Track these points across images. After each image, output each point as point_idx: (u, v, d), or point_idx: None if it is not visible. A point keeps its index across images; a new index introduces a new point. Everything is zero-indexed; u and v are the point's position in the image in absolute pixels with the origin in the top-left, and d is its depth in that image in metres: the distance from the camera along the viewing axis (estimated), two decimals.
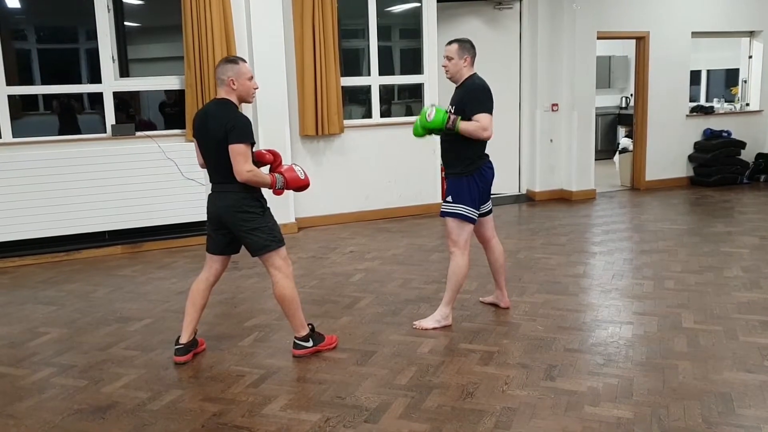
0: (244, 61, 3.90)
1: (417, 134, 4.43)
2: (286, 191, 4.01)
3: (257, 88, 3.98)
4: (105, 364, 4.04)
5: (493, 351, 4.07)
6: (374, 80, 8.23)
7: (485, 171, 4.40)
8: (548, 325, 4.48)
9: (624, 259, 6.12)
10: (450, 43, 4.41)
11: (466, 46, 4.37)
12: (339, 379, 3.74)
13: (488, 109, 4.24)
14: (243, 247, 4.01)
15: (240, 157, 3.70)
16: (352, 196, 8.15)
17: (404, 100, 9.52)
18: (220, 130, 3.73)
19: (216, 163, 3.85)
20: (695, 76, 11.58)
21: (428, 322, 4.51)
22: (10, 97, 6.70)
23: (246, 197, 3.82)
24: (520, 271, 5.74)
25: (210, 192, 3.96)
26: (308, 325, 4.11)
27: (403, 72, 9.20)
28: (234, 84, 3.80)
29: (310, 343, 4.06)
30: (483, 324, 4.56)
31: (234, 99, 3.83)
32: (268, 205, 3.98)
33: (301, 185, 4.03)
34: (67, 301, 5.30)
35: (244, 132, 3.73)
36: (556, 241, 6.89)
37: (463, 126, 4.21)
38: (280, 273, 3.93)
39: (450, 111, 4.30)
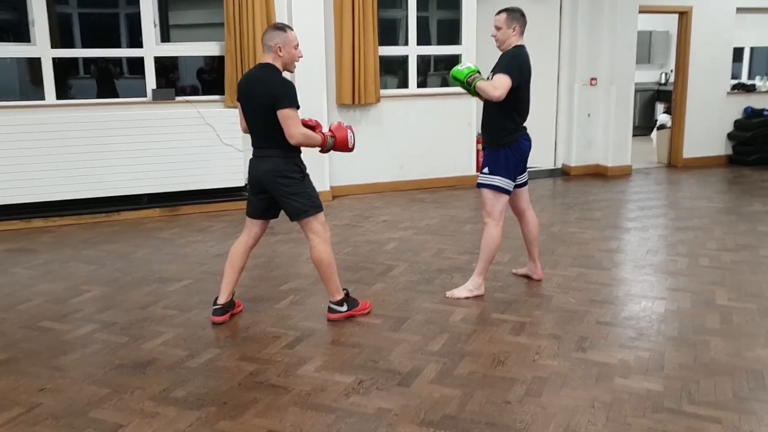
0: (292, 29, 3.92)
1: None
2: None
3: (302, 56, 4.00)
4: (145, 322, 4.16)
5: (524, 322, 4.11)
6: (412, 50, 8.21)
7: (522, 143, 4.40)
8: (580, 298, 4.50)
9: (659, 235, 6.08)
10: (499, 12, 4.38)
11: (515, 15, 4.34)
12: (372, 343, 3.81)
13: (509, 72, 4.18)
14: (281, 212, 4.08)
15: (290, 121, 3.77)
16: (387, 166, 8.18)
17: (441, 72, 9.46)
18: (265, 94, 3.78)
19: (259, 127, 3.91)
20: (738, 52, 11.31)
21: (461, 292, 4.55)
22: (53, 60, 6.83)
23: (287, 162, 3.88)
24: (553, 244, 5.75)
25: (251, 156, 4.02)
26: (343, 290, 4.17)
27: (440, 43, 9.13)
28: (281, 51, 3.84)
29: (344, 308, 4.13)
30: (515, 295, 4.59)
31: (279, 65, 3.88)
32: (307, 171, 4.03)
33: (345, 148, 4.09)
34: (108, 261, 5.43)
35: (292, 96, 3.80)
36: (590, 215, 6.86)
37: (480, 84, 4.23)
38: (318, 237, 3.99)
39: (490, 77, 4.29)
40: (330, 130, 4.07)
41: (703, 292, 4.58)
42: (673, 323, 4.05)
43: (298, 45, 3.92)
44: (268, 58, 3.89)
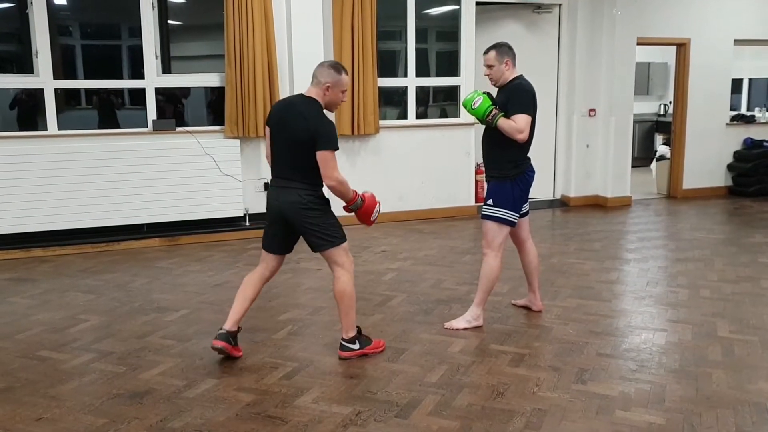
0: (347, 74, 3.90)
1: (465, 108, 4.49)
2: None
3: (344, 101, 3.99)
4: (142, 351, 4.13)
5: (524, 353, 4.08)
6: (411, 81, 8.28)
7: (528, 174, 4.41)
8: (580, 329, 4.48)
9: (659, 266, 6.07)
10: (487, 51, 4.38)
11: (504, 50, 4.36)
12: (370, 374, 3.78)
13: (528, 111, 4.23)
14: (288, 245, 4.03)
15: (331, 163, 3.72)
16: (386, 196, 8.11)
17: (439, 103, 9.53)
18: (305, 130, 3.72)
19: (288, 158, 3.82)
20: (736, 84, 11.42)
21: (459, 323, 4.52)
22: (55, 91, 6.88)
23: (312, 194, 3.82)
24: (553, 275, 5.73)
25: (271, 186, 3.94)
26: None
27: (439, 74, 9.21)
28: (328, 91, 3.80)
29: (356, 345, 4.02)
30: (514, 326, 4.57)
31: (322, 102, 3.83)
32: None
33: (366, 218, 4.02)
34: (107, 290, 5.42)
35: (333, 138, 3.75)
36: (589, 246, 6.86)
37: (501, 123, 4.22)
38: (342, 269, 3.91)
39: (496, 108, 4.30)
40: (362, 194, 4.00)
41: (704, 324, 4.55)
42: (674, 355, 4.03)
43: (345, 91, 3.89)
44: (312, 92, 3.83)
